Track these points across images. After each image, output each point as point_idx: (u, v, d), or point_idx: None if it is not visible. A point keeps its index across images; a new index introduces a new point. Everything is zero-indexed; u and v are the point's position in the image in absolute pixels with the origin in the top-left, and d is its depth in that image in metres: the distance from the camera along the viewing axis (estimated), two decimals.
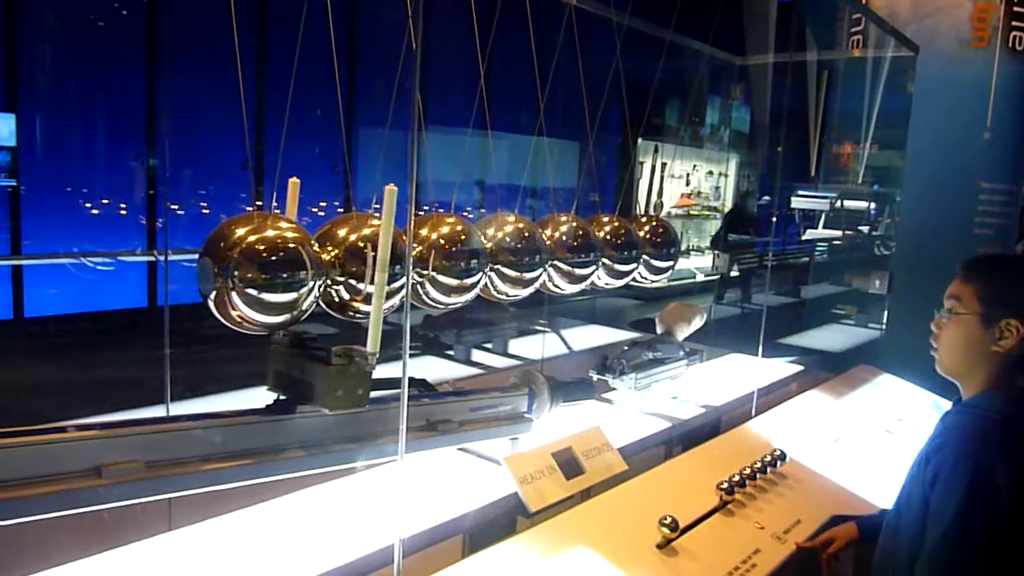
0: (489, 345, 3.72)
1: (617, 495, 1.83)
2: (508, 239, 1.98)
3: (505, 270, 1.96)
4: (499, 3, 2.02)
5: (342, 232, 1.62)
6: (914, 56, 4.16)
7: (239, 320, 1.47)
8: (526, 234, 2.02)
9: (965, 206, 4.35)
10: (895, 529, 1.49)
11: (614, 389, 2.50)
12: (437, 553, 1.60)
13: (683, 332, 2.78)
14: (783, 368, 3.21)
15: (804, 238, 8.78)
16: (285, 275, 1.46)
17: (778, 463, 2.07)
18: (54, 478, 1.20)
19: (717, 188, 9.90)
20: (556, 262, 2.12)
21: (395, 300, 1.63)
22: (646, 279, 2.45)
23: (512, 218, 2.04)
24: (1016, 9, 4.25)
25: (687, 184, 9.42)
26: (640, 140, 8.40)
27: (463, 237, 1.83)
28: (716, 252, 8.12)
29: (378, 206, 1.92)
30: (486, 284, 1.95)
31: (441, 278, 1.77)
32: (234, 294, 1.42)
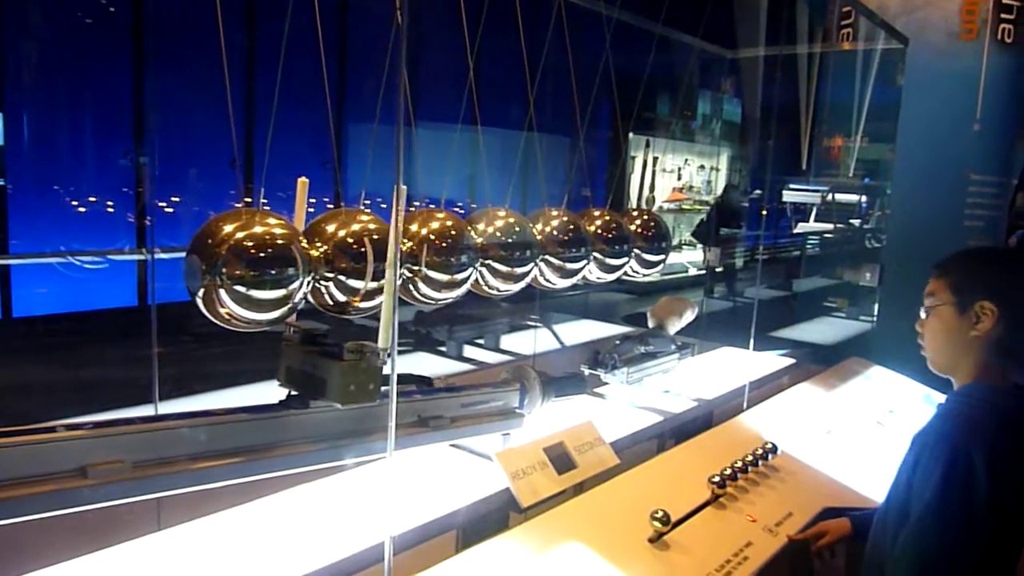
0: (481, 341, 3.72)
1: (609, 489, 1.82)
2: (499, 234, 1.97)
3: (496, 265, 1.96)
4: None
5: (331, 228, 1.61)
6: (903, 48, 4.17)
7: (228, 317, 1.46)
8: (517, 229, 2.02)
9: (955, 198, 4.36)
10: (884, 519, 1.49)
11: (606, 384, 2.50)
12: (431, 549, 1.59)
13: (675, 326, 2.77)
14: (775, 361, 3.22)
15: (795, 231, 8.81)
16: (274, 271, 1.45)
17: (770, 456, 2.07)
18: (39, 479, 1.19)
19: (709, 182, 9.91)
20: (547, 256, 2.11)
21: (384, 296, 1.62)
22: (637, 273, 2.45)
23: (503, 213, 2.04)
24: (1005, 2, 4.26)
25: (679, 178, 9.43)
26: (631, 135, 8.41)
27: (453, 232, 1.82)
28: (706, 246, 8.13)
29: (368, 201, 1.93)
30: (477, 279, 1.95)
31: (431, 274, 1.76)
32: (222, 291, 1.41)
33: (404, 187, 1.58)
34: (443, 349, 3.56)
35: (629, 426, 2.26)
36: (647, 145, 8.74)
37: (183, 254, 1.46)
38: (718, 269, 7.51)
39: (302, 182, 1.75)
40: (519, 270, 2.00)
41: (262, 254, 1.44)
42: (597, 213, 2.34)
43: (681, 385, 2.67)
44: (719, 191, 9.40)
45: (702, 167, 9.86)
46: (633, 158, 8.57)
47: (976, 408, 1.42)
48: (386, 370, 1.49)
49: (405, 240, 1.78)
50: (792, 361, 3.25)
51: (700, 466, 1.95)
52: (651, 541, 1.61)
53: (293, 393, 1.57)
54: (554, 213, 2.19)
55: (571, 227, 2.18)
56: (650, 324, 2.79)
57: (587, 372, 2.45)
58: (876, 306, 4.49)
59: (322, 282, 1.57)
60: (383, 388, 1.56)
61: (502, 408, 1.97)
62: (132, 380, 2.04)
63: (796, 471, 2.11)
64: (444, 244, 1.78)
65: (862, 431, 2.57)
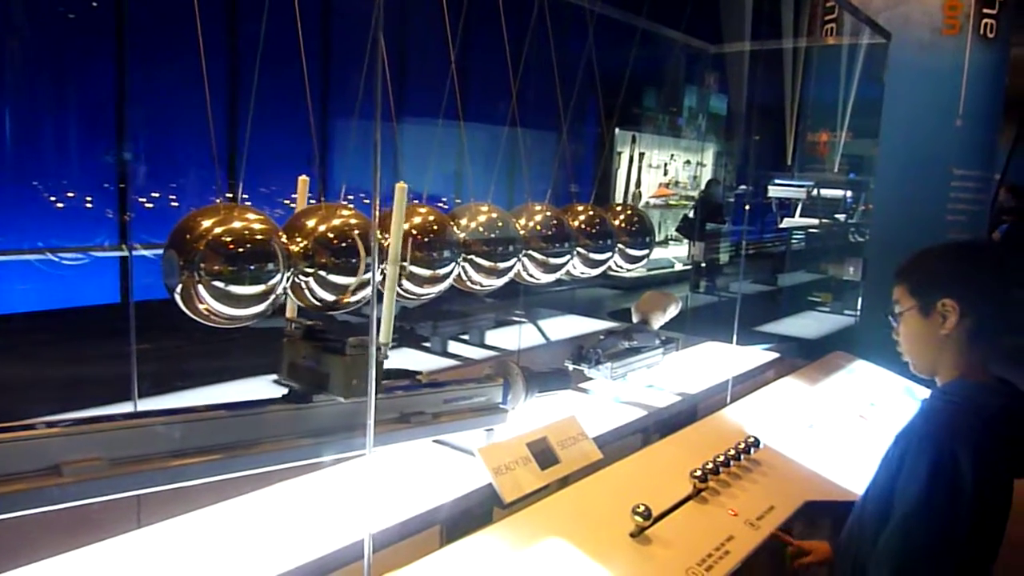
0: (466, 336, 3.72)
1: (592, 484, 1.83)
2: (481, 229, 1.97)
3: (479, 260, 1.95)
4: None
5: (311, 223, 1.60)
6: (886, 44, 4.19)
7: (207, 313, 1.45)
8: (500, 224, 2.01)
9: (938, 193, 4.39)
10: (862, 512, 1.50)
11: (590, 379, 2.50)
12: (415, 544, 1.59)
13: (659, 321, 2.78)
14: (759, 356, 3.23)
15: (781, 226, 8.84)
16: (252, 267, 1.44)
17: (752, 450, 2.08)
18: (12, 477, 1.17)
19: (695, 177, 9.93)
20: (530, 251, 2.11)
21: (366, 291, 1.62)
22: (621, 268, 2.45)
23: (485, 208, 2.03)
24: None
25: (665, 174, 9.44)
26: (618, 130, 8.41)
27: (435, 228, 1.82)
28: (690, 241, 8.16)
29: (351, 197, 1.92)
30: (460, 274, 1.94)
31: (414, 269, 1.75)
32: (200, 287, 1.40)
33: (404, 184, 1.59)
34: (427, 345, 3.55)
35: (613, 421, 2.27)
36: (633, 141, 8.75)
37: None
38: (703, 264, 7.53)
39: (303, 180, 1.75)
40: (502, 265, 2.00)
41: (240, 249, 1.43)
42: (581, 208, 2.34)
43: (665, 380, 2.67)
44: (703, 186, 9.43)
45: (688, 162, 9.88)
46: (620, 154, 8.58)
47: (959, 406, 1.42)
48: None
49: (386, 235, 1.77)
50: (776, 355, 3.27)
51: (682, 460, 1.96)
52: (632, 536, 1.61)
53: (295, 388, 1.60)
54: (537, 208, 2.18)
55: (554, 222, 2.18)
56: (634, 319, 2.80)
57: (571, 367, 2.45)
58: (859, 300, 4.51)
59: (301, 277, 1.56)
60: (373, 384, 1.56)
61: (485, 404, 1.97)
62: (115, 377, 2.03)
63: (778, 465, 2.12)
64: (426, 239, 1.78)
65: (844, 425, 2.58)
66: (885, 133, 4.47)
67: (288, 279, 1.52)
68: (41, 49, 5.64)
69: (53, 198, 5.50)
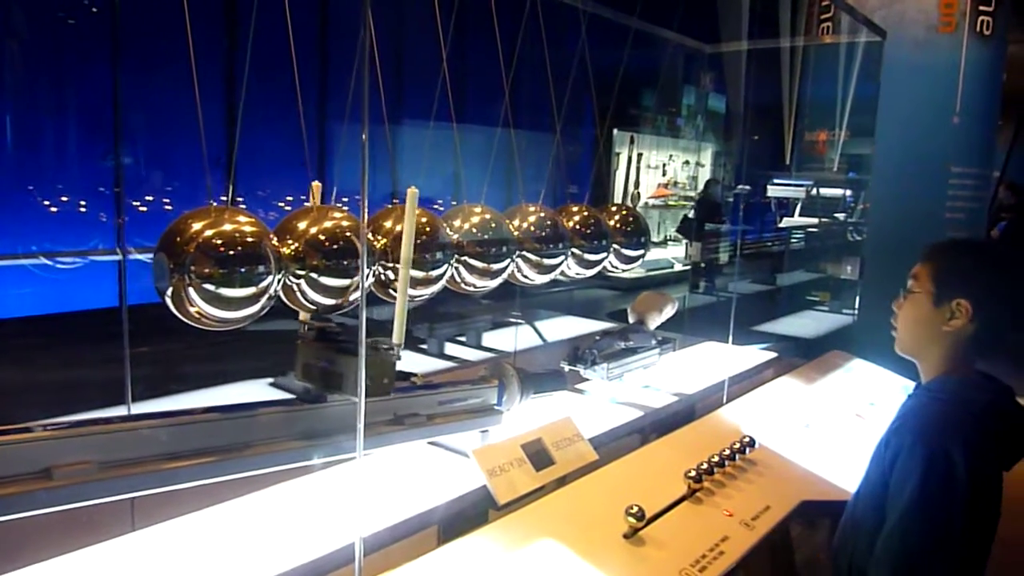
0: (462, 338, 3.71)
1: (586, 484, 1.82)
2: (474, 230, 1.97)
3: (472, 261, 1.95)
4: None
5: (302, 225, 1.60)
6: (881, 41, 4.18)
7: (198, 316, 1.45)
8: (493, 225, 2.01)
9: (936, 191, 4.39)
10: (854, 512, 1.50)
11: (586, 380, 2.50)
12: (411, 545, 1.59)
13: (655, 321, 2.78)
14: (757, 355, 3.22)
15: (780, 226, 8.82)
16: (243, 269, 1.44)
17: (747, 450, 2.08)
18: (2, 481, 1.17)
19: (694, 178, 9.92)
20: (524, 252, 2.11)
21: (356, 294, 1.62)
22: (616, 268, 2.44)
23: (479, 209, 2.03)
24: None
25: (663, 174, 9.43)
26: (616, 131, 8.40)
27: (428, 229, 1.82)
28: (688, 242, 8.15)
29: (346, 199, 1.92)
30: (453, 276, 1.94)
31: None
32: (191, 290, 1.40)
33: (416, 189, 1.60)
34: (424, 347, 3.54)
35: (609, 422, 2.26)
36: (631, 141, 8.75)
37: None
38: (702, 264, 7.52)
39: (315, 185, 1.76)
40: (495, 266, 2.00)
41: (231, 252, 1.43)
42: (575, 209, 2.34)
43: (662, 380, 2.67)
44: (702, 186, 9.42)
45: (687, 163, 9.87)
46: (618, 154, 8.57)
47: (949, 403, 1.42)
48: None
49: (379, 237, 1.77)
50: (774, 355, 3.26)
51: (677, 461, 1.95)
52: (626, 537, 1.61)
53: (308, 388, 1.63)
54: (531, 209, 2.18)
55: (548, 223, 2.17)
56: (630, 320, 2.79)
57: (567, 368, 2.45)
58: (857, 299, 4.51)
59: (292, 279, 1.56)
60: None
61: (480, 405, 1.97)
62: (110, 381, 2.03)
63: (774, 465, 2.12)
64: (419, 241, 1.77)
65: (842, 424, 2.58)
66: (881, 131, 4.47)
67: (279, 281, 1.52)
68: (39, 54, 5.64)
69: (47, 202, 5.50)
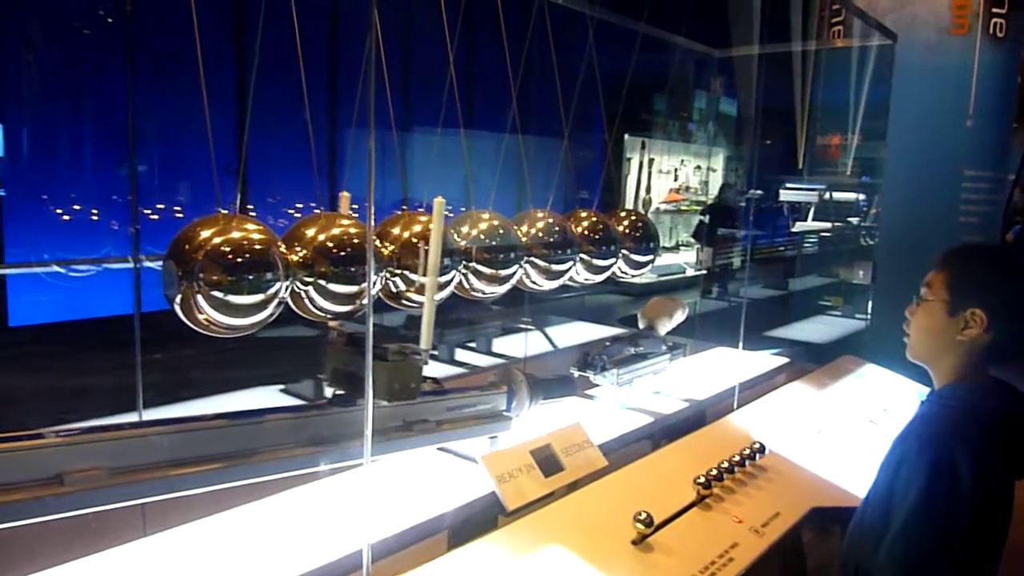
0: (473, 344, 3.71)
1: (595, 491, 1.82)
2: (482, 236, 1.97)
3: (480, 267, 1.95)
4: (465, 3, 2.01)
5: (310, 232, 1.61)
6: (892, 45, 4.16)
7: (206, 323, 1.46)
8: (501, 231, 2.02)
9: (949, 195, 4.34)
10: (862, 518, 1.48)
11: (597, 385, 2.49)
12: (420, 551, 1.59)
13: (665, 326, 2.77)
14: (768, 361, 3.21)
15: (793, 230, 8.79)
16: (251, 276, 1.45)
17: (757, 456, 2.06)
18: (14, 486, 1.18)
19: (705, 183, 9.90)
20: (532, 258, 2.11)
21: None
22: (626, 274, 2.44)
23: (487, 215, 2.04)
24: None
25: (675, 179, 9.42)
26: (627, 136, 8.40)
27: None
28: (699, 247, 8.13)
29: (356, 206, 1.92)
30: (461, 282, 1.95)
31: (414, 277, 1.76)
32: (200, 297, 1.41)
33: (441, 199, 1.63)
34: (434, 353, 3.55)
35: (619, 428, 2.25)
36: (643, 146, 8.74)
37: None
38: (715, 270, 7.50)
39: (344, 196, 1.79)
40: (503, 272, 2.00)
41: (239, 259, 1.44)
42: (584, 214, 2.34)
43: (672, 386, 2.66)
44: (715, 191, 9.40)
45: (698, 167, 9.85)
46: (629, 159, 8.57)
47: (957, 410, 1.40)
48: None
49: (387, 244, 1.78)
50: (786, 360, 3.24)
51: (687, 467, 1.94)
52: (634, 543, 1.60)
53: (339, 392, 1.68)
54: (540, 215, 2.18)
55: (557, 229, 2.18)
56: (640, 325, 2.79)
57: (577, 374, 2.45)
58: (870, 304, 4.47)
59: (300, 286, 1.56)
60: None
61: (489, 411, 1.97)
62: (122, 388, 2.04)
63: (784, 471, 2.10)
64: (427, 248, 1.78)
65: (854, 430, 2.56)
66: (893, 135, 4.43)
67: (287, 288, 1.52)
68: (54, 64, 5.70)
69: (60, 211, 5.55)
